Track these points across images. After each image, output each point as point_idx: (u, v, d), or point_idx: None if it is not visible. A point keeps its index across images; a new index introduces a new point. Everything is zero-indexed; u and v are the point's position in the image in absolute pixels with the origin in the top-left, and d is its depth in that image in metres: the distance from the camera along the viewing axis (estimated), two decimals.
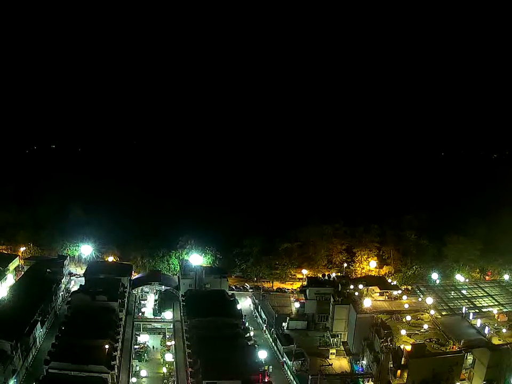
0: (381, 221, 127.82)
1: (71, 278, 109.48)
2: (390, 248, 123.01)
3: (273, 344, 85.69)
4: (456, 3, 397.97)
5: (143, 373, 72.56)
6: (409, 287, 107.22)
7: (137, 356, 77.18)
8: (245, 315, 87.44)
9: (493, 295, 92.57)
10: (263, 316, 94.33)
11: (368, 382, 72.41)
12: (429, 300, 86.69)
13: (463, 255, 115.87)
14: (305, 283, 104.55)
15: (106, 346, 65.22)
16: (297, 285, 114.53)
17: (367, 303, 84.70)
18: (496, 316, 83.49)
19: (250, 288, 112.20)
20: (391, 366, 68.17)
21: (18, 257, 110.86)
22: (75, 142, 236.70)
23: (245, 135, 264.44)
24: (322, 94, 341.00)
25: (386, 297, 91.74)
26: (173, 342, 79.28)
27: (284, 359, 79.26)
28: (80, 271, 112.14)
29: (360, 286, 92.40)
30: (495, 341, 73.04)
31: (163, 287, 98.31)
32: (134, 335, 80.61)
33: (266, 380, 64.01)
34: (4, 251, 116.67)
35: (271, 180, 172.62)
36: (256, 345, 75.02)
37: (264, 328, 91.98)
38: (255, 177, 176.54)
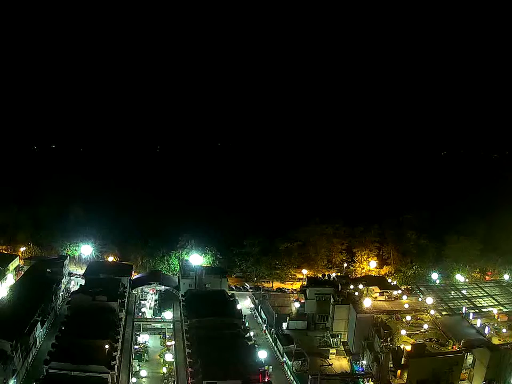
0: (381, 221, 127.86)
1: (71, 278, 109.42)
2: (390, 248, 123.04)
3: (273, 344, 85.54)
4: (457, 3, 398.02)
5: (143, 373, 72.46)
6: (409, 287, 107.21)
7: (137, 356, 77.04)
8: (245, 315, 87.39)
9: (493, 295, 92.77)
10: (263, 316, 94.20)
11: (368, 382, 72.33)
12: (429, 300, 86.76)
13: (463, 255, 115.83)
14: (305, 283, 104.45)
15: (106, 346, 65.14)
16: (297, 285, 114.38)
17: (367, 303, 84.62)
18: (496, 315, 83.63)
19: (250, 288, 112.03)
20: (391, 366, 68.20)
21: (18, 257, 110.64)
22: (75, 142, 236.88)
23: (245, 135, 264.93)
24: (322, 94, 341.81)
25: (386, 297, 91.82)
26: (173, 342, 79.21)
27: (284, 359, 79.23)
28: (80, 271, 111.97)
29: (360, 286, 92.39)
30: (495, 341, 73.22)
31: (163, 287, 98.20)
32: (134, 335, 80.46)
33: (266, 380, 64.08)
34: (4, 251, 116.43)
35: (271, 180, 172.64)
36: (256, 345, 74.97)
37: (264, 328, 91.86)
38: (255, 177, 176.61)
